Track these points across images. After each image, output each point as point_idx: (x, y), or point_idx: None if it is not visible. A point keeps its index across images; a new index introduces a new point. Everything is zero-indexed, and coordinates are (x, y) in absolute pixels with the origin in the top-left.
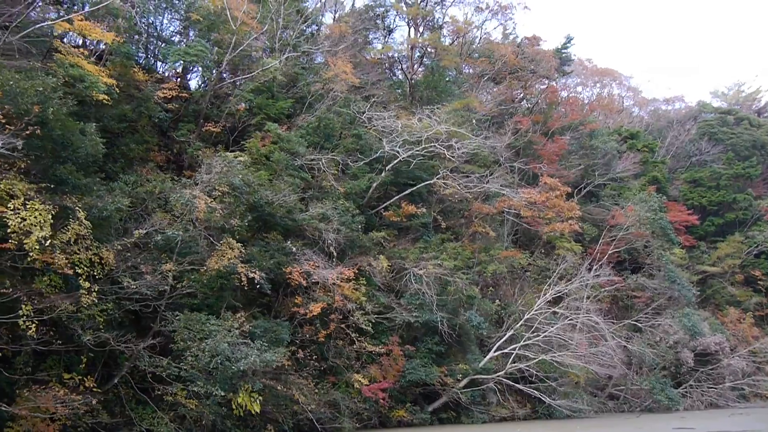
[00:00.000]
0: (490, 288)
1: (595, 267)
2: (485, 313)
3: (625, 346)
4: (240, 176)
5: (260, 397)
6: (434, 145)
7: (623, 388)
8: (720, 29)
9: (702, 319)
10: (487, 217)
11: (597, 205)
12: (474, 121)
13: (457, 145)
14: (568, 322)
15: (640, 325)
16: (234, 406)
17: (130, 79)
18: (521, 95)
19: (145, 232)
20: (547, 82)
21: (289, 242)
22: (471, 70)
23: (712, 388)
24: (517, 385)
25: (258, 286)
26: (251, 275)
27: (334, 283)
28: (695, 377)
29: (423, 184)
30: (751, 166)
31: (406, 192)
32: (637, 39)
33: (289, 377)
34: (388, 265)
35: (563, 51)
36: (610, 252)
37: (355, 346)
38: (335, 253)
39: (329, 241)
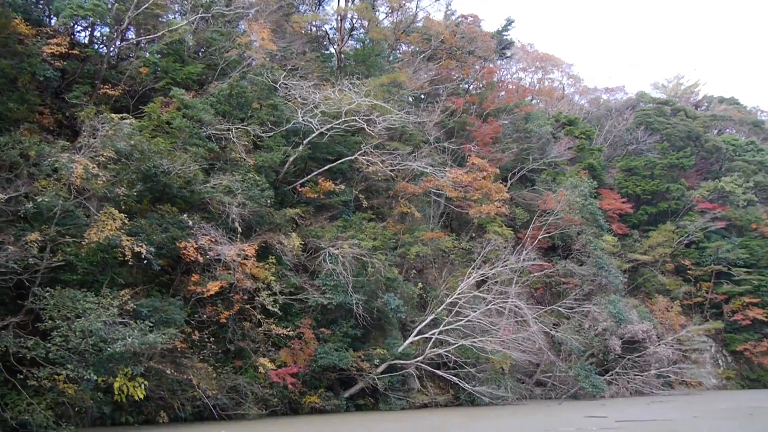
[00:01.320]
0: (413, 271)
1: (523, 251)
2: (407, 297)
3: (552, 333)
4: (128, 141)
5: (145, 382)
6: (355, 119)
7: (551, 375)
8: (661, 23)
9: (631, 306)
10: (414, 198)
11: (530, 190)
12: (406, 97)
13: (379, 120)
14: (492, 306)
15: (567, 311)
16: (116, 392)
17: (11, 32)
18: (457, 76)
19: (6, 197)
20: (485, 63)
21: (185, 215)
22: (407, 48)
23: (638, 375)
24: (437, 371)
25: (145, 262)
26: (137, 249)
27: (234, 261)
28: (621, 364)
29: (343, 160)
30: (685, 156)
31: (325, 168)
32: (582, 30)
33: (184, 360)
34: (301, 244)
35: (503, 33)
36: (540, 237)
37: (262, 329)
38: (240, 229)
39: (233, 216)
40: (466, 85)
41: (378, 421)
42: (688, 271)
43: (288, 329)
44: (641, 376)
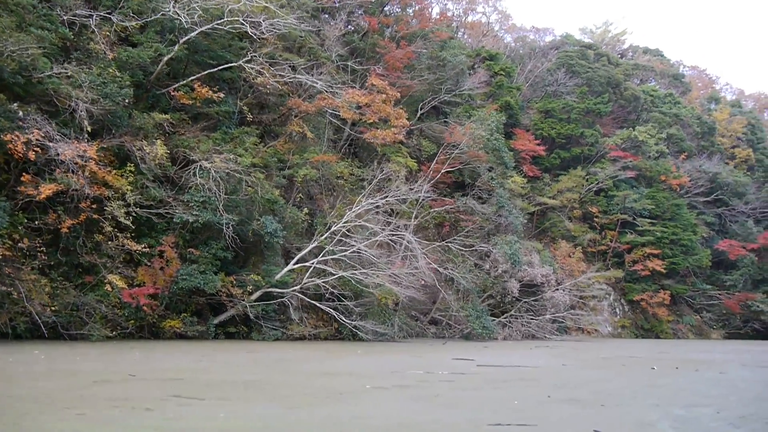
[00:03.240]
0: (300, 195)
1: (422, 184)
2: (291, 222)
3: (441, 270)
4: None
5: None
6: (239, 20)
7: (446, 314)
8: None
9: (533, 250)
10: (311, 118)
11: (442, 123)
12: (308, 7)
13: (266, 24)
14: (381, 239)
15: (465, 250)
16: None
17: None
18: None
19: None
20: None
21: (15, 105)
22: None
23: (533, 319)
24: (316, 302)
25: None
26: None
27: (75, 162)
28: (517, 307)
29: (226, 66)
30: (602, 102)
31: (204, 73)
32: None
33: (6, 270)
34: (166, 153)
35: None
36: (444, 171)
37: (114, 243)
38: (89, 128)
39: (82, 113)
40: (380, 5)
41: (229, 349)
42: (595, 219)
43: (144, 246)
44: (536, 320)
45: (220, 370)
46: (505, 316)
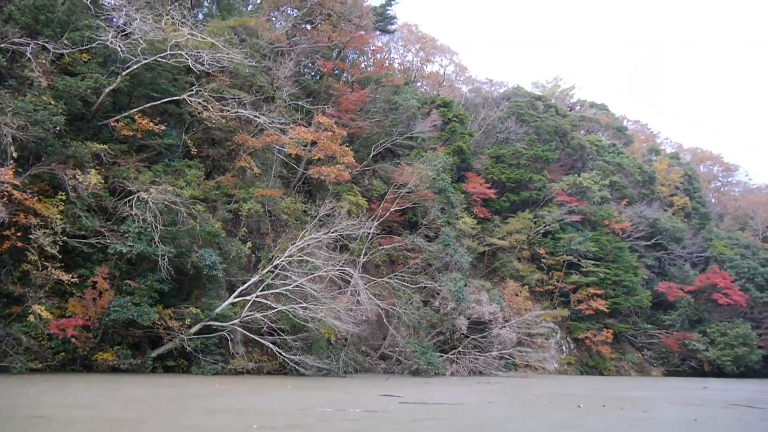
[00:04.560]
0: (245, 229)
1: (370, 221)
2: (235, 255)
3: (382, 306)
4: None
5: None
6: (182, 54)
7: (396, 349)
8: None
9: (482, 288)
10: (258, 154)
11: (393, 164)
12: (261, 48)
13: (207, 58)
14: (324, 274)
15: (413, 287)
16: None
17: None
18: (330, 40)
19: None
20: (360, 31)
21: None
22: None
23: (480, 355)
24: (255, 336)
25: None
26: None
27: None
28: (464, 344)
29: (168, 99)
30: (550, 150)
31: (147, 105)
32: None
33: None
34: (100, 182)
35: (387, 8)
36: (394, 210)
37: (42, 273)
38: (14, 154)
39: (7, 140)
40: (337, 51)
41: (152, 383)
42: (542, 260)
43: (73, 276)
44: (484, 356)
45: (109, 406)
46: (453, 352)
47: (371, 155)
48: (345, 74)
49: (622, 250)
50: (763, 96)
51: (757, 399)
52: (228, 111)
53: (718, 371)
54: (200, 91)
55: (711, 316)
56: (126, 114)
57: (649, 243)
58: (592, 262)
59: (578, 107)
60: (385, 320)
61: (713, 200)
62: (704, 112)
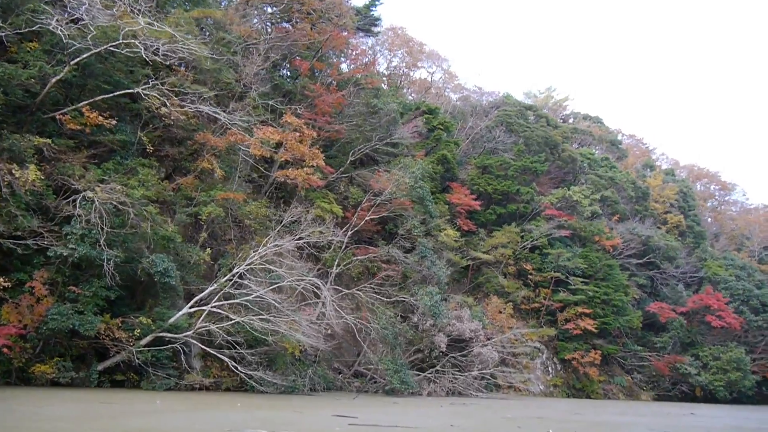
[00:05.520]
0: (205, 234)
1: (342, 230)
2: (194, 262)
3: (357, 320)
4: None
5: None
6: (135, 43)
7: (371, 367)
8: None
9: (464, 304)
10: (223, 156)
11: (372, 171)
12: (233, 45)
13: (164, 48)
14: (286, 283)
15: (386, 300)
16: None
17: None
18: (308, 39)
19: None
20: (340, 30)
21: None
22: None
23: (459, 375)
24: (211, 350)
25: None
26: None
27: None
28: (443, 362)
29: (122, 92)
30: (539, 161)
31: (99, 98)
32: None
33: None
34: (40, 178)
35: (371, 8)
36: (369, 218)
37: None
38: None
39: None
40: (315, 50)
41: (75, 399)
42: (529, 276)
43: (6, 280)
44: (463, 376)
45: (28, 425)
46: (430, 371)
47: (349, 161)
48: (323, 75)
49: (613, 268)
50: (763, 115)
51: (743, 428)
52: (188, 107)
53: (710, 396)
54: (157, 84)
55: (704, 339)
56: (74, 107)
57: (641, 261)
58: (581, 279)
59: (571, 119)
60: (358, 336)
61: (709, 219)
62: (703, 129)
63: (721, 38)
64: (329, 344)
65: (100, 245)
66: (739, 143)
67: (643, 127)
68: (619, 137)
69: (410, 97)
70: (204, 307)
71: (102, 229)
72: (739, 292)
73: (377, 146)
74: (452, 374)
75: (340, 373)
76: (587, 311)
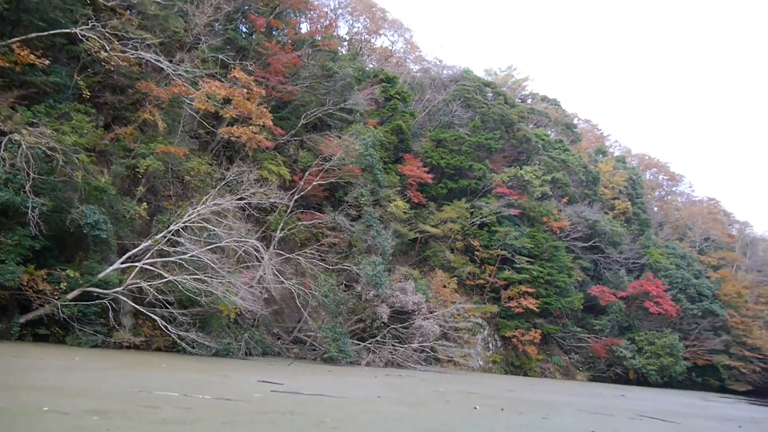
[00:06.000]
0: (142, 188)
1: (287, 193)
2: (129, 216)
3: (293, 285)
4: None
5: None
6: None
7: (311, 334)
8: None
9: (412, 277)
10: (167, 108)
11: (323, 135)
12: None
13: None
14: (224, 244)
15: (331, 268)
16: None
17: None
18: None
19: None
20: None
21: None
22: None
23: (400, 346)
24: (141, 308)
25: None
26: None
27: None
28: (383, 333)
29: (58, 31)
30: (494, 138)
31: (32, 35)
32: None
33: None
34: None
35: None
36: (317, 183)
37: None
38: None
39: None
40: (273, 7)
41: None
42: (476, 253)
43: None
44: (403, 347)
45: None
46: (371, 341)
47: (301, 124)
48: (279, 34)
49: (558, 250)
50: (714, 110)
51: (668, 411)
52: (130, 53)
53: (642, 380)
54: (98, 26)
55: (641, 323)
56: (4, 43)
57: (586, 245)
58: (527, 259)
59: (530, 100)
60: (299, 302)
61: (655, 208)
62: (657, 120)
63: (681, 34)
64: (269, 309)
65: (25, 191)
66: (689, 136)
67: (599, 113)
68: (575, 121)
69: (370, 65)
70: (136, 264)
71: (28, 174)
72: (678, 280)
73: (331, 111)
74: (392, 345)
75: (279, 338)
76: (530, 290)
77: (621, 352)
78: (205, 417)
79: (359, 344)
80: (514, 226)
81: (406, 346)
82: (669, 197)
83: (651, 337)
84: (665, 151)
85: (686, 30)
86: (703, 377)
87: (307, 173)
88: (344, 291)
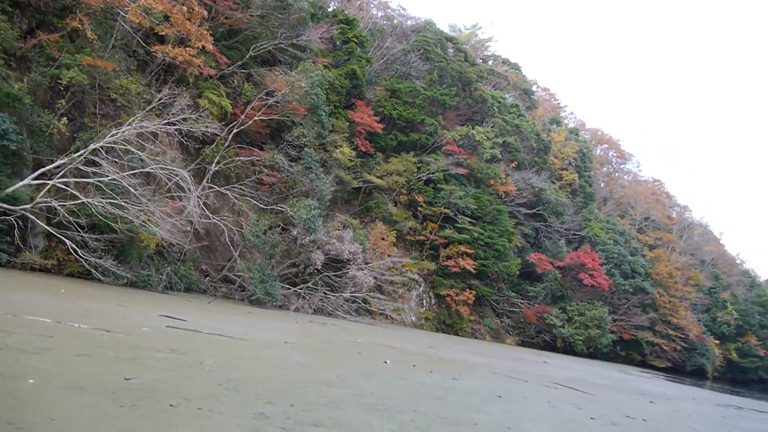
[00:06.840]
0: (63, 101)
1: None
2: (45, 130)
3: (220, 220)
4: None
5: None
6: None
7: (240, 274)
8: None
9: (351, 226)
10: (99, 18)
11: (271, 70)
12: None
13: None
14: (148, 170)
15: (266, 207)
16: None
17: None
18: None
19: None
20: None
21: None
22: None
23: (331, 295)
24: (50, 228)
25: None
26: None
27: None
28: (315, 280)
29: None
30: (449, 95)
31: None
32: None
33: None
34: None
35: None
36: (258, 118)
37: None
38: None
39: None
40: None
41: None
42: (419, 208)
43: None
44: (334, 296)
45: None
46: (302, 286)
47: (249, 56)
48: None
49: (501, 213)
50: (669, 94)
51: (584, 381)
52: None
53: (569, 349)
54: None
55: (573, 294)
56: None
57: (530, 212)
58: (469, 219)
59: (491, 61)
60: (228, 240)
61: (602, 184)
62: (614, 97)
63: (645, 17)
64: (198, 244)
65: None
66: (643, 117)
67: (558, 83)
68: (534, 88)
69: (332, 6)
70: (48, 182)
71: None
72: (614, 255)
73: (282, 46)
74: (324, 293)
75: (207, 276)
76: (469, 251)
77: (551, 320)
78: (62, 347)
79: (289, 289)
80: (460, 185)
81: (337, 294)
82: (616, 174)
83: (582, 308)
84: (618, 129)
85: (650, 12)
86: (627, 351)
87: (249, 107)
88: (280, 233)
